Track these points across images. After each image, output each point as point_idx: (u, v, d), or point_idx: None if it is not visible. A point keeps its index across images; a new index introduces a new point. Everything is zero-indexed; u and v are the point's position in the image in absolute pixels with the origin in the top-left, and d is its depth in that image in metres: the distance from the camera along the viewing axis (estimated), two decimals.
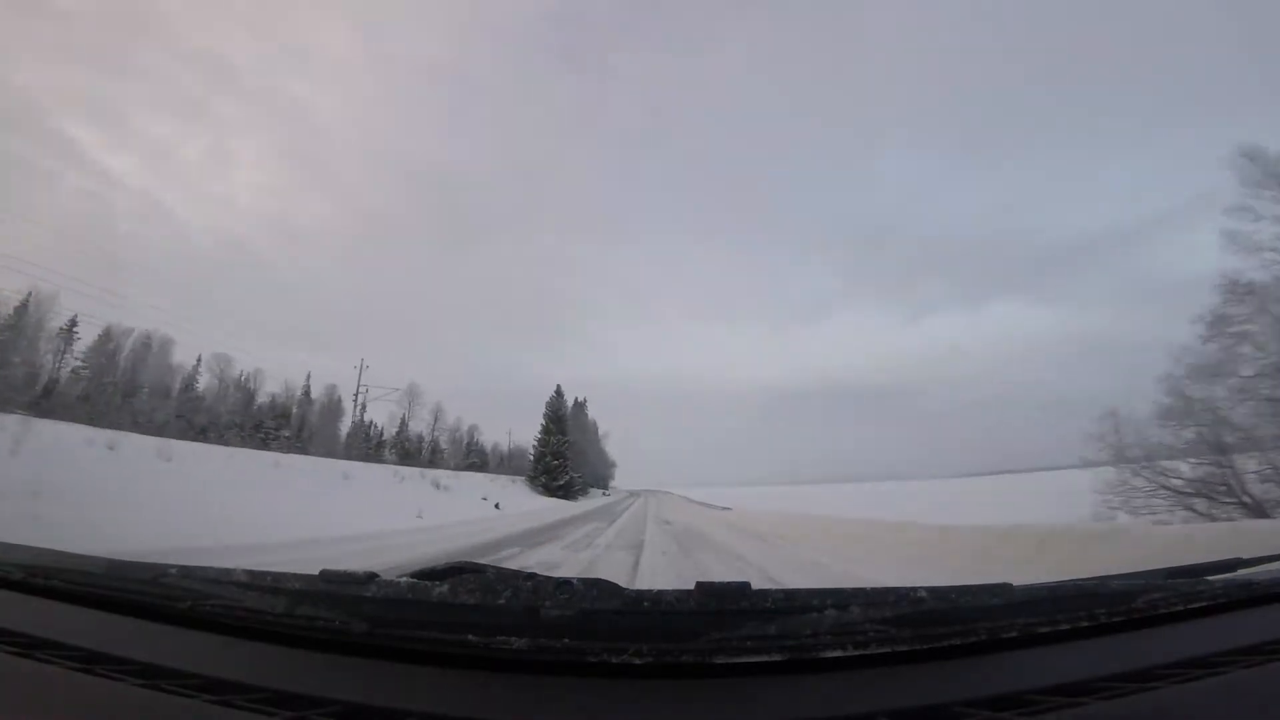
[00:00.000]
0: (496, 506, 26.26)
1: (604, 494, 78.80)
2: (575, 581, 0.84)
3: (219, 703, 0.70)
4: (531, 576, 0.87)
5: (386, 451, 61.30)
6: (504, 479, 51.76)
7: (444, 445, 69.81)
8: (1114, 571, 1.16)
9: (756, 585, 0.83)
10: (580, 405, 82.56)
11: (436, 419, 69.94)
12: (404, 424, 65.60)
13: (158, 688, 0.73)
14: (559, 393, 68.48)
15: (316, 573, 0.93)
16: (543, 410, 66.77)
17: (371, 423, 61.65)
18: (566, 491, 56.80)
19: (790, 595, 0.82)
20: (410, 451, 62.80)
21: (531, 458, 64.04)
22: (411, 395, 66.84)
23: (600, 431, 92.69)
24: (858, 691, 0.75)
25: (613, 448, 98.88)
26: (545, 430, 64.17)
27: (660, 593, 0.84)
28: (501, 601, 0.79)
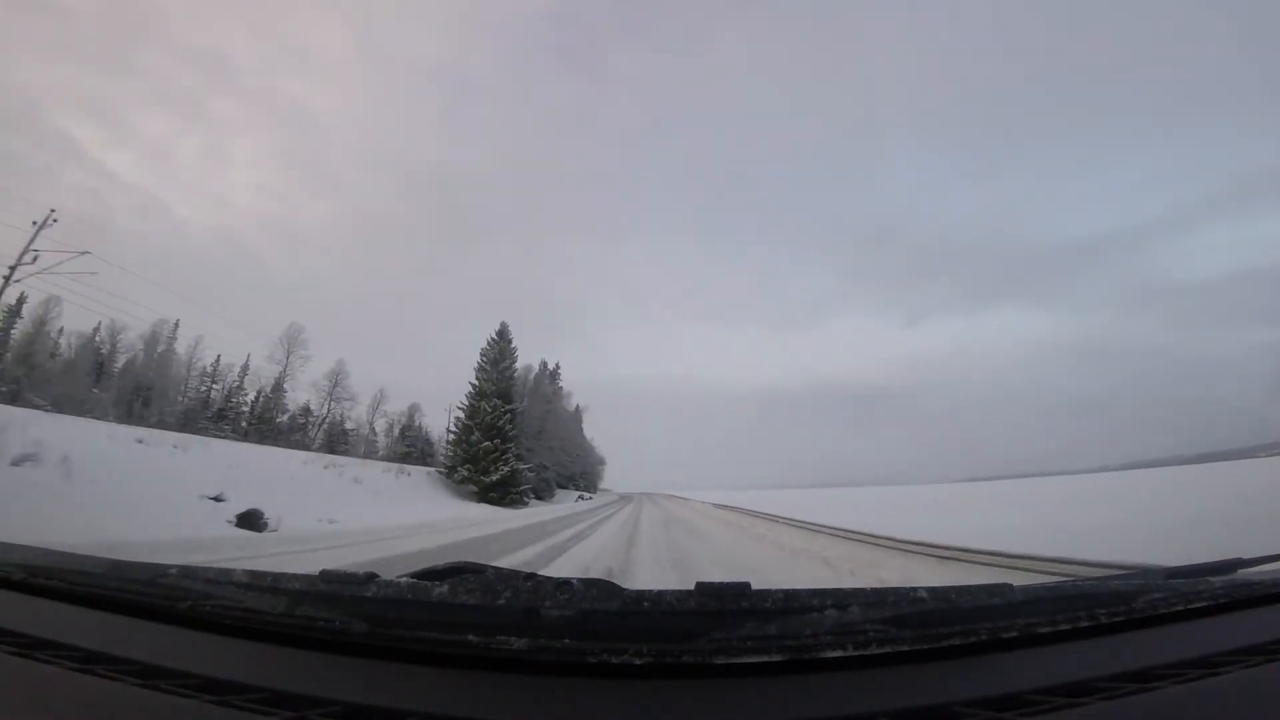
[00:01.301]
0: (252, 524, 10.38)
1: (582, 498, 54.27)
2: (575, 582, 0.84)
3: (218, 703, 0.70)
4: (531, 576, 0.87)
5: (246, 421, 44.09)
6: (377, 468, 30.68)
7: (360, 426, 52.43)
8: None
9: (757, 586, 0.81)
10: (550, 373, 59.51)
11: (335, 384, 49.50)
12: (278, 385, 46.82)
13: (157, 688, 0.73)
14: (503, 335, 40.22)
15: (316, 572, 0.93)
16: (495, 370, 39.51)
17: (260, 393, 46.95)
18: (506, 492, 34.33)
19: (791, 595, 0.82)
20: (275, 426, 44.30)
21: (450, 438, 38.74)
22: (290, 342, 46.86)
23: (579, 409, 72.36)
24: (858, 692, 0.75)
25: (606, 445, 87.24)
26: (477, 392, 37.59)
27: (661, 593, 0.84)
28: (501, 602, 0.79)
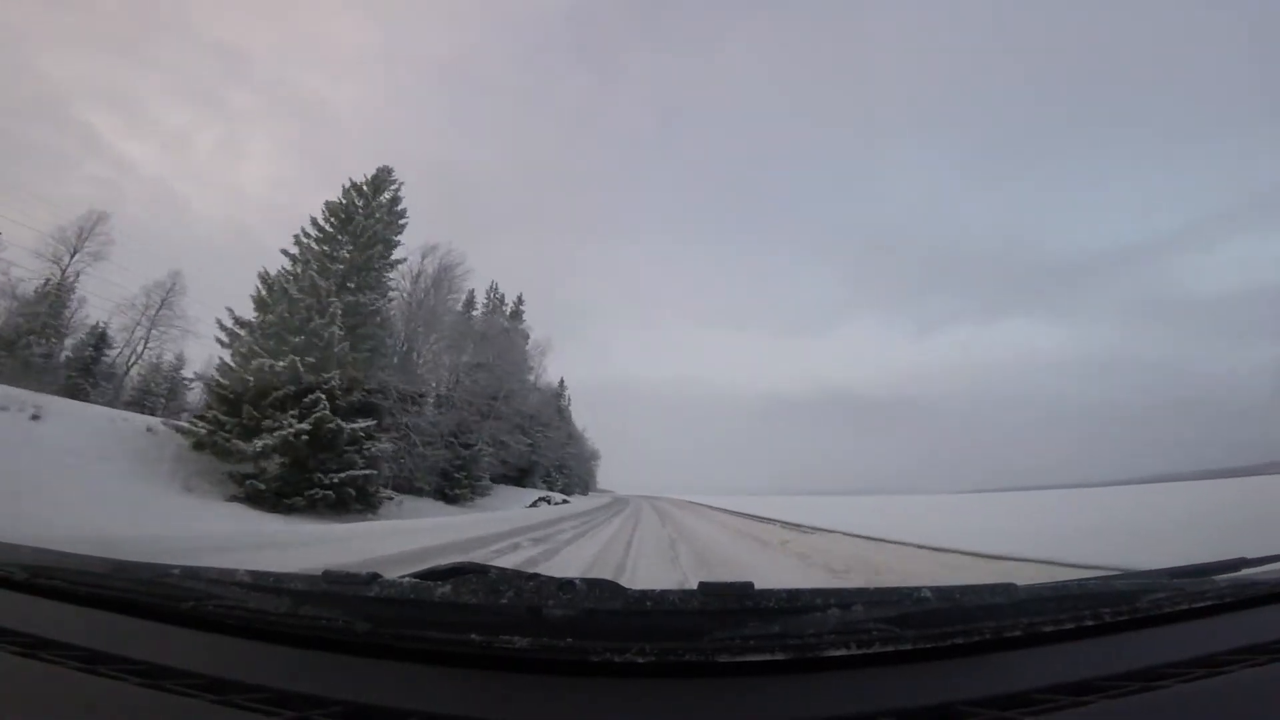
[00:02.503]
0: None
1: (545, 502, 31.13)
2: (578, 581, 0.84)
3: (221, 703, 0.70)
4: (534, 576, 0.87)
5: None
6: None
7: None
8: None
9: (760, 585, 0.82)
10: (507, 310, 39.44)
11: (161, 305, 31.17)
12: (48, 296, 28.09)
13: (160, 688, 0.73)
14: (378, 182, 21.70)
15: (319, 572, 0.94)
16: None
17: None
18: (303, 478, 15.68)
19: (794, 595, 0.82)
20: (24, 358, 25.25)
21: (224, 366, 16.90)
22: (83, 232, 28.71)
23: (563, 382, 53.93)
24: (862, 691, 0.75)
25: (609, 449, 75.04)
26: (299, 262, 18.62)
27: (664, 592, 0.83)
28: (504, 601, 0.79)
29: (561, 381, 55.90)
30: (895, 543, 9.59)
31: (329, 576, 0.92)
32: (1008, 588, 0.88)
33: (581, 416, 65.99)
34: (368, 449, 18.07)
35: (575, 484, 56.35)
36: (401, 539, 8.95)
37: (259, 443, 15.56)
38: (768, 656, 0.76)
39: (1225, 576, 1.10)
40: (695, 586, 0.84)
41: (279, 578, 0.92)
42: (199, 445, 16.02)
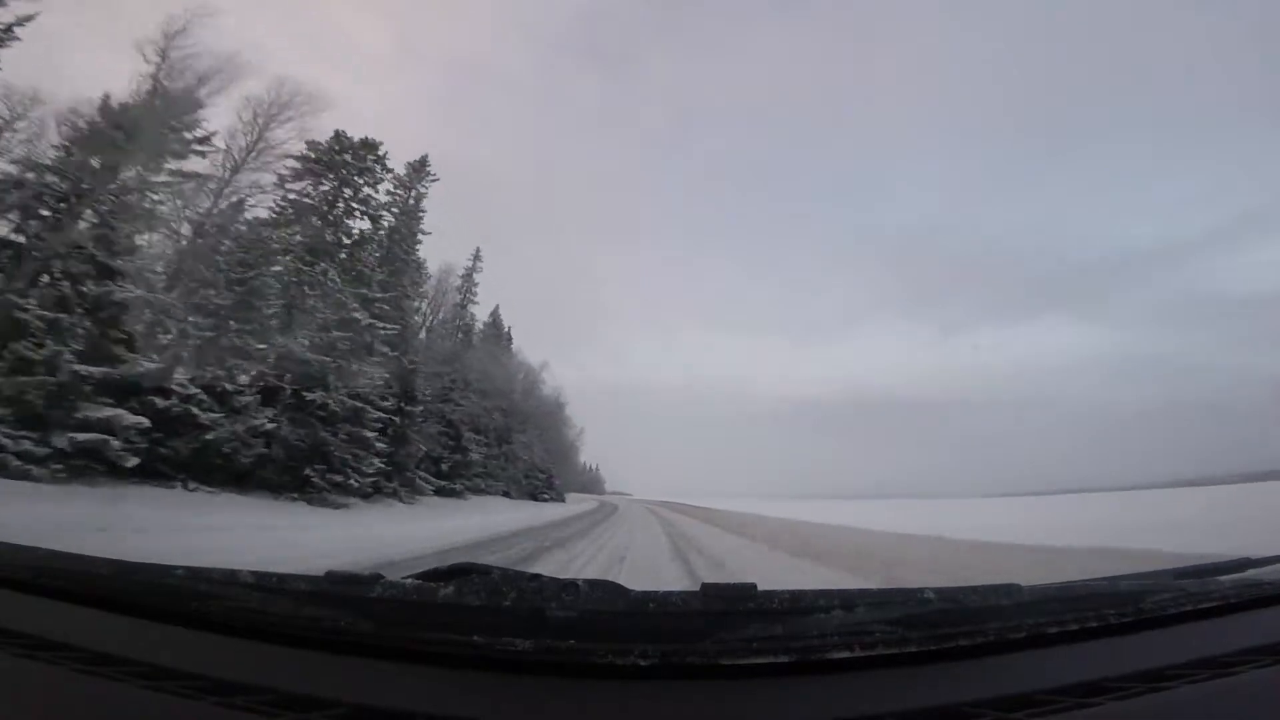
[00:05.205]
0: None
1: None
2: (581, 583, 0.84)
3: (224, 704, 0.70)
4: (537, 578, 0.87)
5: None
6: None
7: None
8: None
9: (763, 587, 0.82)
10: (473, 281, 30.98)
11: None
12: None
13: (163, 689, 0.73)
14: None
15: (322, 573, 0.94)
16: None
17: None
18: None
19: (797, 596, 0.82)
20: None
21: None
22: None
23: (473, 264, 33.21)
24: (865, 693, 0.74)
25: (621, 452, 66.44)
26: None
27: (666, 594, 0.84)
28: (507, 603, 0.79)
29: (468, 266, 32.49)
30: None
31: (332, 577, 0.92)
32: (1012, 588, 0.88)
33: (592, 421, 56.10)
34: None
35: (509, 480, 34.18)
36: None
37: None
38: (771, 659, 0.76)
39: (1230, 577, 1.10)
40: (698, 588, 0.84)
41: (282, 578, 0.92)
42: None
